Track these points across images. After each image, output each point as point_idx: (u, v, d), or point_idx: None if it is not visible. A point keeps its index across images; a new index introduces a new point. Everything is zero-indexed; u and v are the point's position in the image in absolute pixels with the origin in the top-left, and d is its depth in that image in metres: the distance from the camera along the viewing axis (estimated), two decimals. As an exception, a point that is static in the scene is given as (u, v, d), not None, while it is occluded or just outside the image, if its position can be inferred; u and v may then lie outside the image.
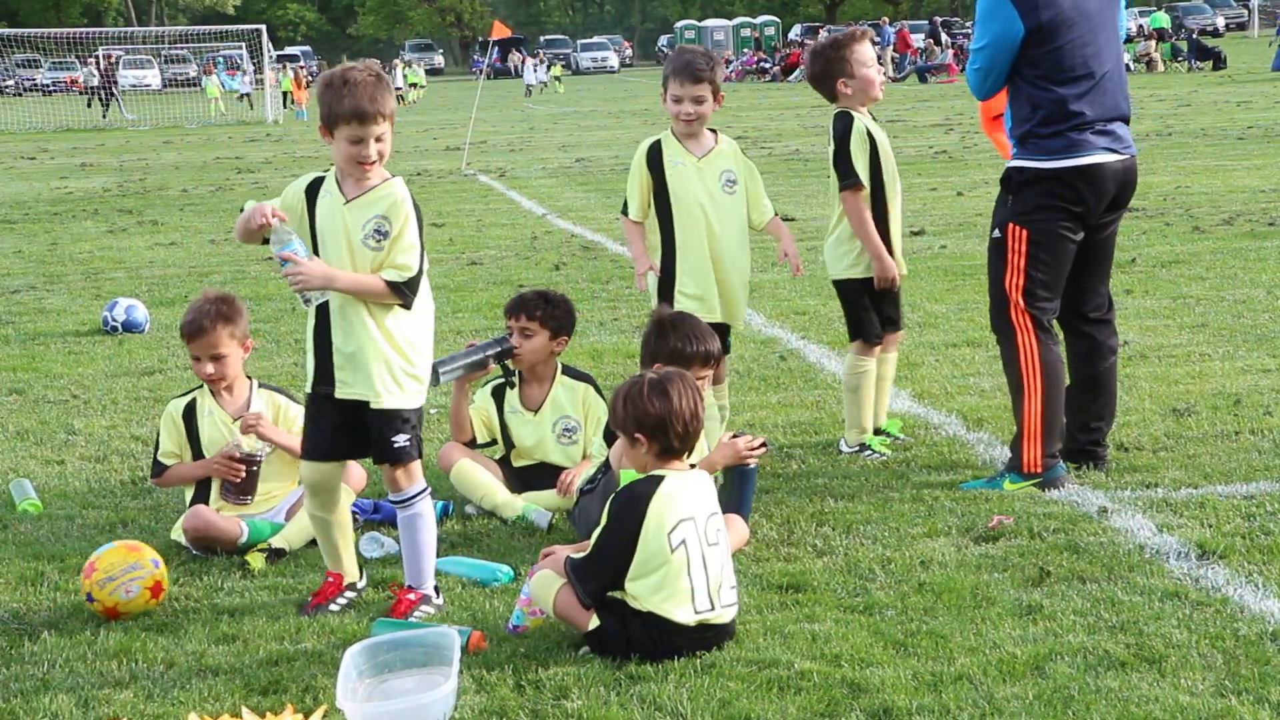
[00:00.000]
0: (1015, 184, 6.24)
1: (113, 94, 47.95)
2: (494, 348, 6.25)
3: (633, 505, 4.58)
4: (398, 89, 57.76)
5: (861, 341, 6.83)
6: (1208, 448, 6.62)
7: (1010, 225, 6.22)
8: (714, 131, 6.49)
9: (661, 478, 4.63)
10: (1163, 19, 56.61)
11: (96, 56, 50.65)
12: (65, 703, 4.39)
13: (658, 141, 6.41)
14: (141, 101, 50.38)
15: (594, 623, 4.58)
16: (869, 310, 6.80)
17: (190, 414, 5.98)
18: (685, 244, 6.35)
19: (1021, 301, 6.20)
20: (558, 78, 62.74)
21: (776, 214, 6.65)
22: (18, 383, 9.04)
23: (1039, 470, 6.14)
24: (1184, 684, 4.20)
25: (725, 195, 6.38)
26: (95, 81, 49.86)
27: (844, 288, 6.85)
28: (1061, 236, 6.20)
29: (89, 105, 50.53)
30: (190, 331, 5.94)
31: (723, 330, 6.37)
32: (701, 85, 6.29)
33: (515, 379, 6.37)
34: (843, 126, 6.69)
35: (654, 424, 4.65)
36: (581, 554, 4.69)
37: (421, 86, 59.82)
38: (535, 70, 61.72)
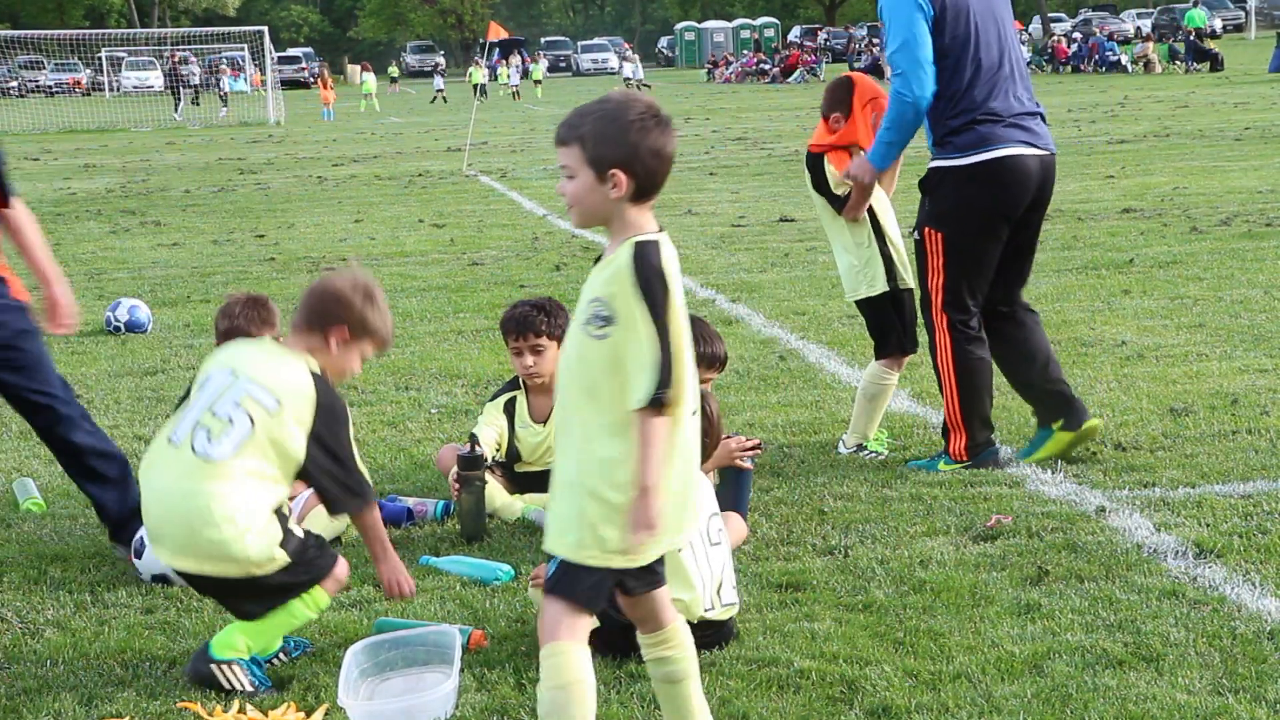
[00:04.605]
0: (931, 184, 6.30)
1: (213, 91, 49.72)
2: (474, 467, 5.83)
3: None
4: (514, 86, 59.31)
5: (892, 355, 6.81)
6: (1205, 447, 6.64)
7: (926, 229, 6.29)
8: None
9: None
10: (1200, 16, 53.50)
11: (204, 59, 53.77)
12: (68, 701, 4.41)
13: None
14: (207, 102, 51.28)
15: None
16: (893, 322, 6.79)
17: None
18: None
19: (941, 302, 6.28)
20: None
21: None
22: (20, 383, 9.03)
23: (965, 458, 6.39)
24: (1181, 682, 4.22)
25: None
26: (195, 80, 52.40)
27: (866, 306, 6.83)
28: (979, 236, 6.22)
29: (192, 102, 52.09)
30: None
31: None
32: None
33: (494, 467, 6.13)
34: (815, 162, 6.72)
35: None
36: None
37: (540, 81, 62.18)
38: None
